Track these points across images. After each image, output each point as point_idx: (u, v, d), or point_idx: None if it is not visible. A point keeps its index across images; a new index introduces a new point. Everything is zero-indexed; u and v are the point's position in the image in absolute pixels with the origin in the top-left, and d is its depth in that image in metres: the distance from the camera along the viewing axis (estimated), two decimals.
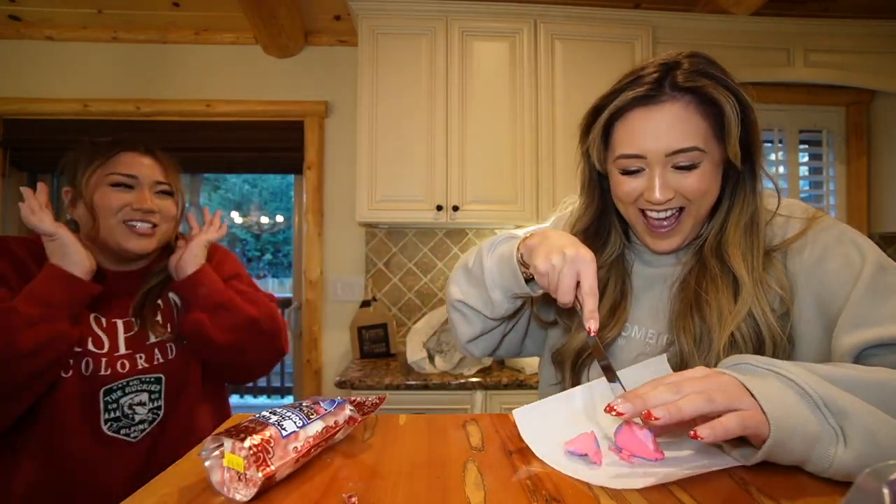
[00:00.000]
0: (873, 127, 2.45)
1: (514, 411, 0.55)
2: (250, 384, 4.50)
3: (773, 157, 2.54)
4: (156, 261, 1.01)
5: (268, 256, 8.63)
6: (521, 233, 0.72)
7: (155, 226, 0.94)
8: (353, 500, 0.38)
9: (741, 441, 0.46)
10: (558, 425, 0.53)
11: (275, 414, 0.45)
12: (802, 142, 2.51)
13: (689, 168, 0.62)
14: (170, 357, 0.95)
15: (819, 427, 0.41)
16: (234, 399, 4.52)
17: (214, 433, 0.43)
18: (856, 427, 0.41)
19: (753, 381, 0.43)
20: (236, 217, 8.42)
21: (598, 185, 0.74)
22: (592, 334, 0.57)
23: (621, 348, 0.72)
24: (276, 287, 7.99)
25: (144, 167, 0.95)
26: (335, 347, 2.25)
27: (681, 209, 0.65)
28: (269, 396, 4.55)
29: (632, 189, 0.65)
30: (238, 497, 0.40)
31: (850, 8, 2.09)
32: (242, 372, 1.04)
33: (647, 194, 0.63)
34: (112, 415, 0.87)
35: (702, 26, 2.06)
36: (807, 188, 2.54)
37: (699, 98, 0.61)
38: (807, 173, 2.54)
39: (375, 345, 2.06)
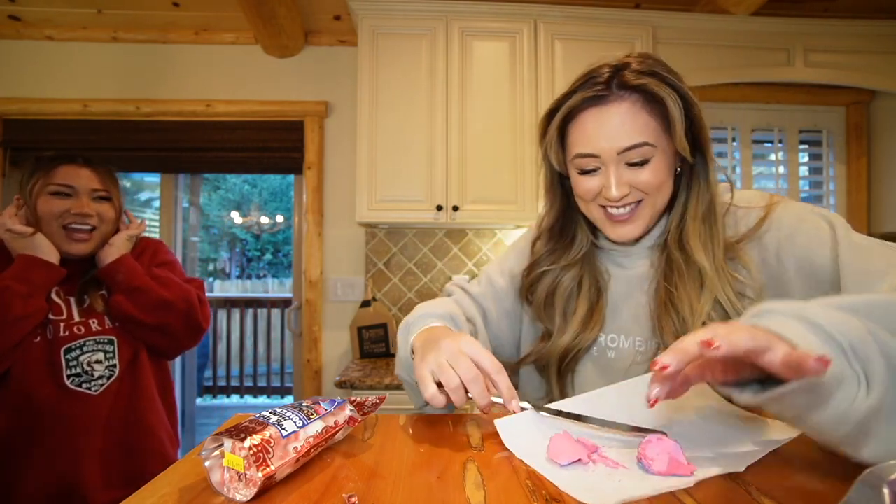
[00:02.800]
0: (873, 127, 2.45)
1: (495, 421, 0.53)
2: (250, 384, 4.53)
3: (773, 157, 2.54)
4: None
5: (268, 256, 8.63)
6: (423, 314, 0.70)
7: (94, 228, 1.09)
8: (353, 500, 0.38)
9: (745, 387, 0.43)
10: (541, 430, 0.52)
11: (275, 414, 0.45)
12: (802, 142, 2.51)
13: (642, 164, 0.65)
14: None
15: (843, 370, 0.39)
16: (234, 399, 4.52)
17: (214, 433, 0.43)
18: (878, 375, 0.39)
19: (781, 328, 0.41)
20: (236, 217, 8.41)
21: (559, 186, 0.76)
22: (518, 412, 0.54)
23: (613, 360, 0.72)
24: (277, 287, 7.97)
25: (82, 178, 1.08)
26: (335, 347, 2.25)
27: (638, 202, 0.67)
28: (269, 396, 4.55)
29: (591, 187, 0.68)
30: (238, 497, 0.40)
31: (850, 8, 2.09)
32: (168, 345, 1.18)
33: (605, 192, 0.66)
34: (73, 371, 1.04)
35: (702, 26, 2.06)
36: (807, 188, 2.54)
37: (646, 96, 0.64)
38: (807, 173, 2.54)
39: (375, 345, 2.06)
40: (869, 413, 0.38)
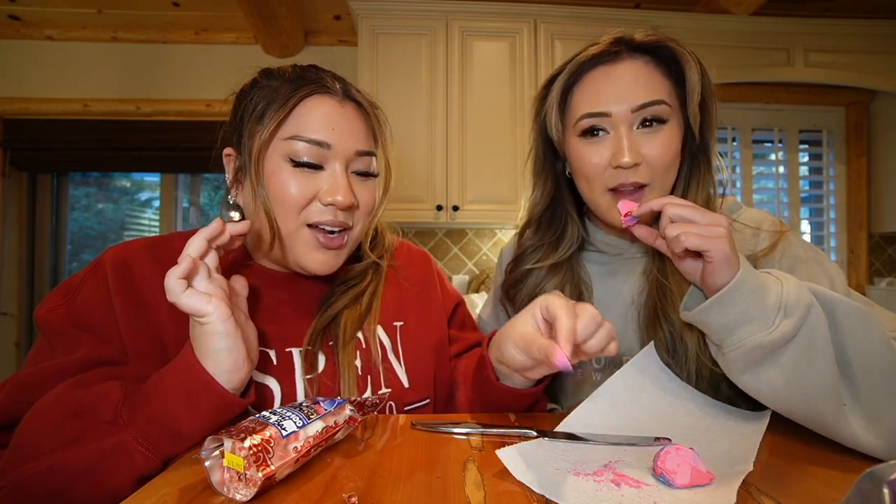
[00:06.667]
0: (873, 127, 2.45)
1: (498, 452, 0.47)
2: None
3: (773, 157, 2.54)
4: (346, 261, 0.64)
5: None
6: None
7: (346, 230, 0.60)
8: (353, 500, 0.38)
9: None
10: (547, 458, 0.48)
11: (275, 414, 0.45)
12: (802, 142, 2.52)
13: (657, 123, 0.59)
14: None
15: (766, 309, 0.46)
16: None
17: (214, 433, 0.43)
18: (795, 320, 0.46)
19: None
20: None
21: (551, 168, 0.71)
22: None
23: (602, 379, 0.68)
24: None
25: (344, 125, 0.59)
26: None
27: (642, 187, 0.61)
28: None
29: (600, 159, 0.61)
30: (238, 497, 0.40)
31: (850, 8, 2.09)
32: None
33: (616, 158, 0.59)
34: None
35: (702, 26, 2.06)
36: (807, 188, 2.54)
37: (658, 58, 0.60)
38: (807, 173, 2.54)
39: None
40: (791, 333, 0.45)
